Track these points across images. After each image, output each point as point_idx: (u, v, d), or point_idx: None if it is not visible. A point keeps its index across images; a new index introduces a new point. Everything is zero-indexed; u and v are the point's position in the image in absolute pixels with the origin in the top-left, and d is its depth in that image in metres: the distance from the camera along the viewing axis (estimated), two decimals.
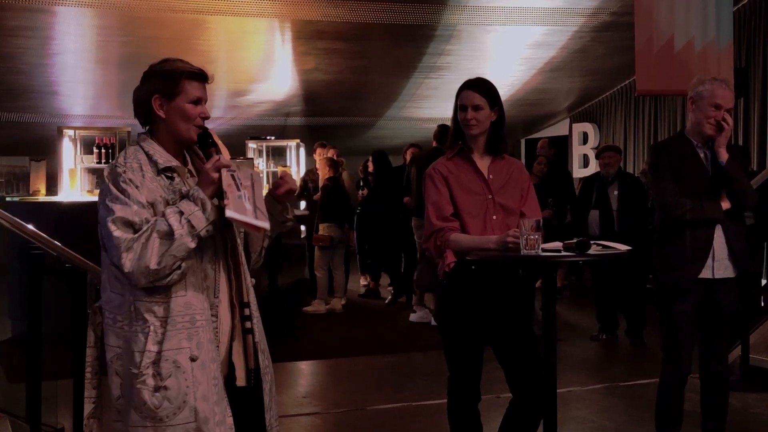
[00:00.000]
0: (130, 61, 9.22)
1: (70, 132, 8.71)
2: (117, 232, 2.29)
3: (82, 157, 8.74)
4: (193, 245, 2.31)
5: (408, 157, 9.42)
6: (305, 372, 6.39)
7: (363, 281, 10.73)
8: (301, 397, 5.55)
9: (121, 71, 10.06)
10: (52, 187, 8.84)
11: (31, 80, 10.28)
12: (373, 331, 7.83)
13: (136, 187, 2.34)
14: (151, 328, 2.33)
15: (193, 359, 2.34)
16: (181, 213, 2.30)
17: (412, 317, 8.05)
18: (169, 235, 2.27)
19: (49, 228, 4.51)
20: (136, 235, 2.28)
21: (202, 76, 2.48)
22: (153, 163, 2.41)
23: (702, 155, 3.75)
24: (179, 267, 2.31)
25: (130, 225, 2.30)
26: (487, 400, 3.54)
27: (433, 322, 7.50)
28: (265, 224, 2.40)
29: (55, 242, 4.01)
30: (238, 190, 2.36)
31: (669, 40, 7.04)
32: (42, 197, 8.54)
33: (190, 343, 2.34)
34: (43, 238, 4.02)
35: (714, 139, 3.79)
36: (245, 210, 2.34)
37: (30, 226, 4.16)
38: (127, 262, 2.27)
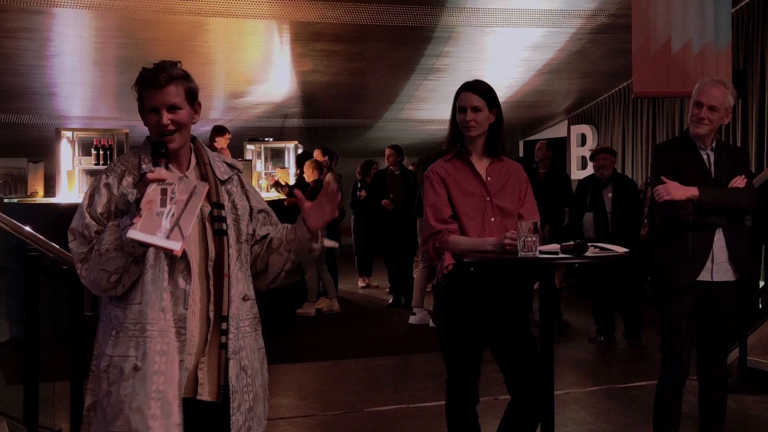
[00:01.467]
0: (128, 63, 9.22)
1: (68, 133, 8.69)
2: (72, 243, 2.38)
3: (80, 158, 8.72)
4: (121, 261, 2.28)
5: (388, 159, 9.45)
6: (302, 374, 6.37)
7: (361, 282, 10.74)
8: (297, 398, 5.55)
9: (119, 73, 10.06)
10: (50, 188, 8.82)
11: (29, 82, 10.27)
12: (372, 332, 7.82)
13: (110, 194, 2.37)
14: (113, 332, 2.36)
15: (136, 369, 2.32)
16: (119, 226, 2.30)
17: (411, 319, 8.04)
18: (101, 250, 2.29)
19: (47, 230, 4.49)
20: (86, 248, 2.34)
21: (154, 83, 2.36)
22: (140, 168, 2.41)
23: (704, 157, 3.75)
24: (118, 281, 2.31)
25: (83, 236, 2.36)
26: (485, 401, 3.54)
27: (432, 324, 7.50)
28: (174, 245, 2.24)
29: (53, 244, 3.99)
30: (163, 206, 2.25)
31: (666, 43, 7.05)
32: (40, 199, 8.50)
33: (136, 353, 2.32)
34: (40, 239, 4.00)
35: (715, 140, 3.79)
36: (157, 229, 2.21)
37: (27, 228, 4.15)
38: (79, 272, 2.36)
